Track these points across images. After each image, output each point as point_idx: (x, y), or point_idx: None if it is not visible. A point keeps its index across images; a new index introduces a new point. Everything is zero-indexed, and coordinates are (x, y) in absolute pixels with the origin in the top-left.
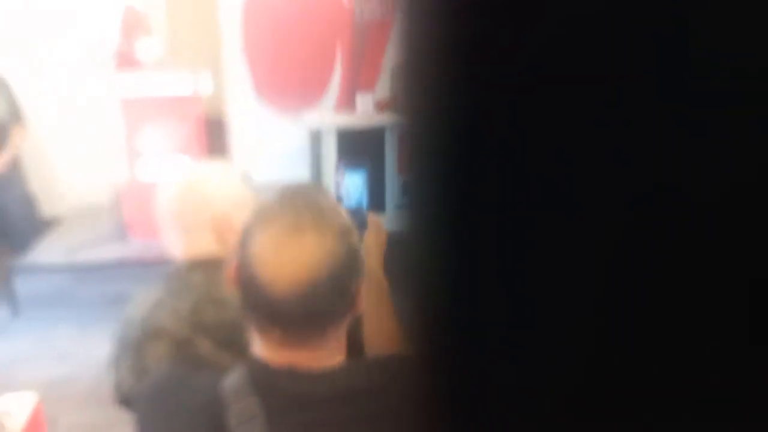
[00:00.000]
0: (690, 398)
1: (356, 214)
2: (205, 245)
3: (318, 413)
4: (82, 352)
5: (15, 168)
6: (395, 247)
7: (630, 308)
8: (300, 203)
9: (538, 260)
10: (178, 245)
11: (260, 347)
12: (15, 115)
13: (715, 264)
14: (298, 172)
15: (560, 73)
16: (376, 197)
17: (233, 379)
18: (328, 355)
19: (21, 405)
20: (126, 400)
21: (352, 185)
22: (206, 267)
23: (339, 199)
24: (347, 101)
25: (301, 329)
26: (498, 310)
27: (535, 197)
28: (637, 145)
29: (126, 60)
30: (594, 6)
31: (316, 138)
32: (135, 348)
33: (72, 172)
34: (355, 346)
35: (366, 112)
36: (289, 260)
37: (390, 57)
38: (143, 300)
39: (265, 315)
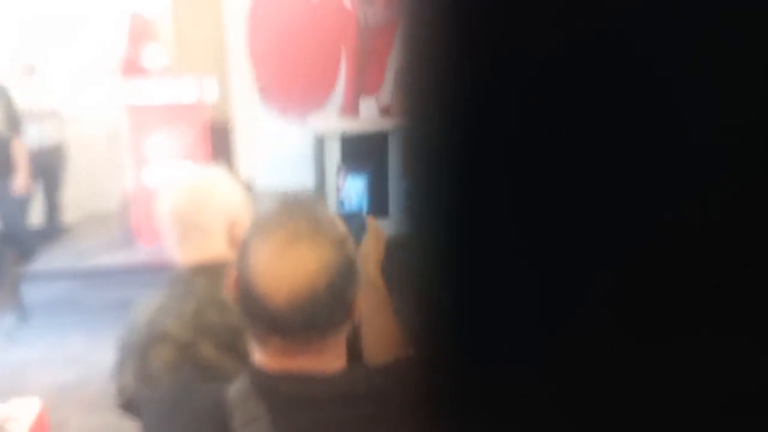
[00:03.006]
0: (690, 398)
1: (356, 218)
2: (213, 249)
3: (320, 413)
4: (91, 357)
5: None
6: (396, 251)
7: (633, 311)
8: (296, 214)
9: (540, 263)
10: (183, 249)
11: (260, 355)
12: (14, 126)
13: (716, 264)
14: (302, 177)
15: (563, 75)
16: (380, 201)
17: (236, 386)
18: (328, 362)
19: (25, 410)
20: (129, 404)
21: (353, 189)
22: (209, 271)
23: (340, 203)
24: (351, 106)
25: (300, 338)
26: (500, 313)
27: (537, 200)
28: (643, 146)
29: (132, 67)
30: (596, 8)
31: (320, 143)
32: (139, 352)
33: (79, 179)
34: (354, 352)
35: (370, 117)
36: (287, 271)
37: (394, 62)
38: (147, 304)
39: (264, 324)
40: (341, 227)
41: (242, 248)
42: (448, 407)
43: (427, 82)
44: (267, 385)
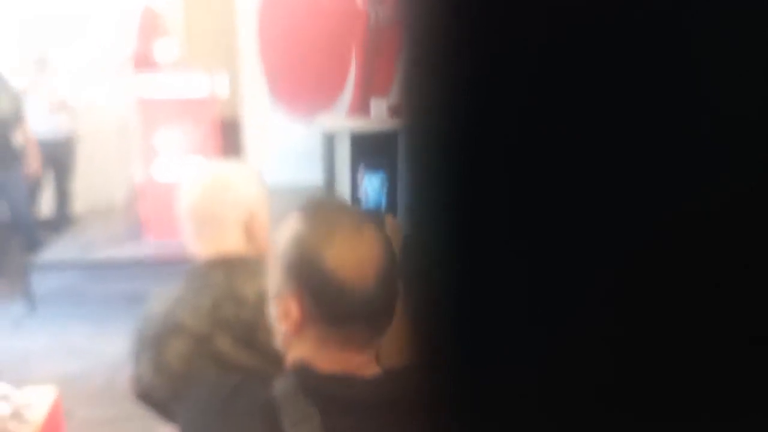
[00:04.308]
0: (691, 398)
1: (374, 215)
2: (230, 243)
3: (368, 417)
4: (96, 348)
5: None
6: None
7: (633, 311)
8: (340, 206)
9: (539, 263)
10: (201, 243)
11: (314, 355)
12: (17, 114)
13: (716, 264)
14: (311, 174)
15: (562, 75)
16: (393, 201)
17: (283, 385)
18: (373, 365)
19: (41, 398)
20: (145, 394)
21: (371, 187)
22: (227, 265)
23: (357, 200)
24: (361, 105)
25: (385, 320)
26: (500, 313)
27: (537, 200)
28: (643, 145)
29: (143, 61)
30: (596, 9)
31: (329, 141)
32: (155, 343)
33: (88, 171)
34: None
35: (380, 117)
36: (367, 251)
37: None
38: (164, 296)
39: (358, 315)
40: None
41: (304, 262)
42: (448, 408)
43: (427, 80)
44: (317, 386)
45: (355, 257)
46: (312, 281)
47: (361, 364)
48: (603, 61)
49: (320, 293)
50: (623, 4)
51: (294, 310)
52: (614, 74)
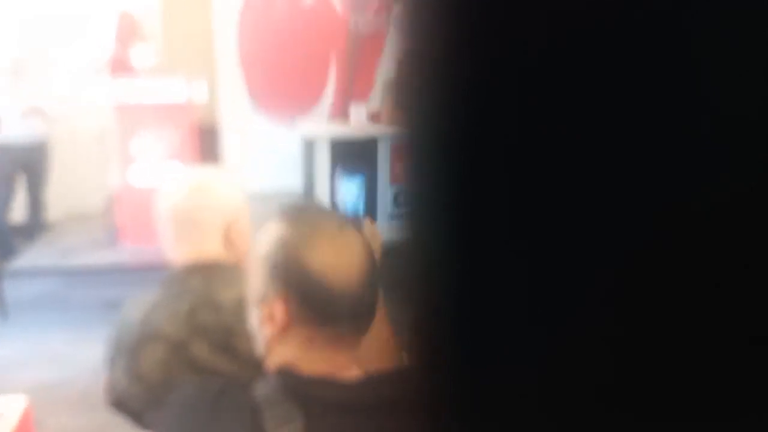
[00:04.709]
0: (691, 398)
1: (353, 219)
2: (209, 249)
3: (352, 419)
4: (73, 356)
5: None
6: (388, 257)
7: (633, 311)
8: (321, 210)
9: (539, 263)
10: (179, 248)
11: (297, 357)
12: None
13: (716, 264)
14: (290, 180)
15: (562, 76)
16: (371, 207)
17: (265, 387)
18: (356, 365)
19: (10, 407)
20: (120, 401)
21: (348, 192)
22: (205, 271)
23: (334, 205)
24: (341, 111)
25: (359, 323)
26: (500, 314)
27: (537, 201)
28: (642, 146)
29: (121, 66)
30: (595, 11)
31: (309, 147)
32: (131, 350)
33: (65, 176)
34: None
35: (359, 123)
36: (347, 257)
37: (383, 69)
38: (141, 302)
39: (344, 315)
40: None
41: (289, 265)
42: (448, 408)
43: (426, 85)
44: (300, 388)
45: (339, 258)
46: (298, 283)
47: (344, 365)
48: (603, 61)
49: (306, 294)
50: (623, 5)
51: (279, 312)
52: (614, 75)
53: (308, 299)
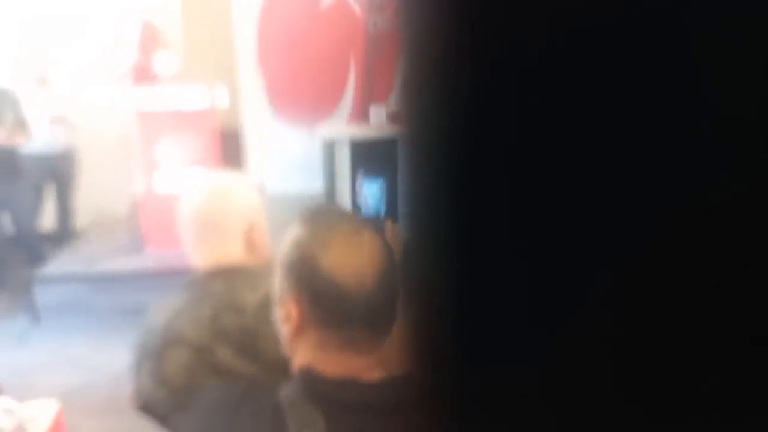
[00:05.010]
0: (691, 398)
1: (374, 222)
2: (230, 253)
3: (375, 421)
4: (100, 360)
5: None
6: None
7: (633, 311)
8: (340, 212)
9: (539, 263)
10: (201, 253)
11: (316, 359)
12: (21, 127)
13: (716, 264)
14: (312, 183)
15: (564, 76)
16: (390, 209)
17: (287, 390)
18: (378, 369)
19: (43, 411)
20: (146, 405)
21: (370, 194)
22: (227, 275)
23: (357, 207)
24: (361, 113)
25: (385, 322)
26: (500, 314)
27: (537, 201)
28: (642, 146)
29: (143, 74)
30: (597, 8)
31: (329, 149)
32: (155, 354)
33: (89, 184)
34: None
35: (379, 124)
36: (365, 255)
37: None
38: (164, 307)
39: (357, 318)
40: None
41: (303, 266)
42: (448, 408)
43: (427, 84)
44: (322, 391)
45: (353, 261)
46: (310, 284)
47: (364, 367)
48: (603, 61)
49: (318, 296)
50: (623, 5)
51: (294, 313)
52: (614, 75)
53: (319, 300)
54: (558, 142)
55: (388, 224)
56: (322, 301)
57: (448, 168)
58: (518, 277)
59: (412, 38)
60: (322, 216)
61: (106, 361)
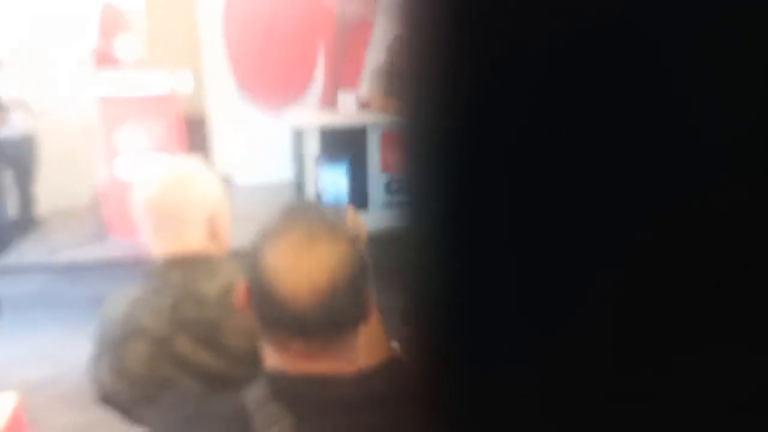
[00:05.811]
0: (690, 398)
1: (337, 212)
2: (189, 242)
3: (342, 417)
4: (64, 352)
5: None
6: (379, 246)
7: (633, 311)
8: (307, 215)
9: (539, 263)
10: (159, 241)
11: (279, 360)
12: None
13: (716, 264)
14: (280, 170)
15: (562, 75)
16: (359, 195)
17: (254, 391)
18: (345, 365)
19: (1, 405)
20: (108, 398)
21: (330, 180)
22: (186, 264)
23: (318, 194)
24: (330, 99)
25: (322, 338)
26: (500, 313)
27: (537, 200)
28: (643, 146)
29: (105, 58)
30: (597, 9)
31: (298, 136)
32: (115, 346)
33: (51, 171)
34: None
35: (348, 110)
36: (308, 269)
37: (372, 57)
38: (122, 298)
39: (286, 328)
40: (351, 227)
41: (255, 255)
42: (448, 407)
43: (427, 80)
44: (287, 389)
45: (295, 272)
46: (252, 276)
47: (327, 366)
48: (603, 61)
49: (261, 304)
50: (623, 5)
51: (242, 298)
52: (614, 75)
53: (255, 295)
54: (558, 141)
55: (350, 211)
56: (257, 297)
57: (449, 168)
58: (518, 277)
59: (415, 36)
60: (293, 215)
61: (71, 353)
